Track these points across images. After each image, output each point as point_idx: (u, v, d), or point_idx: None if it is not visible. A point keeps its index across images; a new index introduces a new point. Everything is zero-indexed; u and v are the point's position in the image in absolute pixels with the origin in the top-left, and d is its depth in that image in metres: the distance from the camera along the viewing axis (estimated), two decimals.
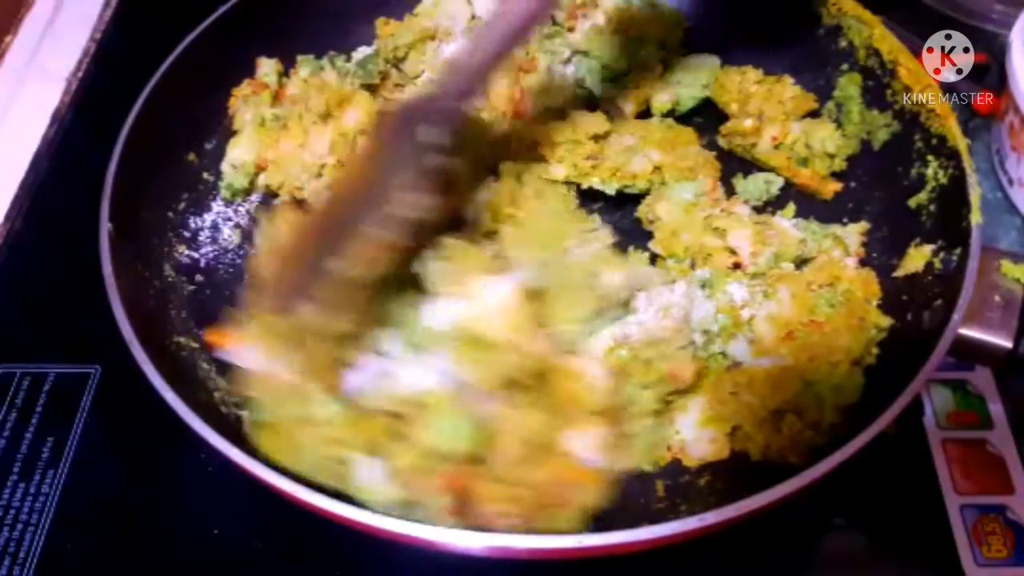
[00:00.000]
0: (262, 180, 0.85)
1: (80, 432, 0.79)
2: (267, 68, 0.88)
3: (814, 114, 0.88)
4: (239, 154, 0.85)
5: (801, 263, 0.79)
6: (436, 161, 0.65)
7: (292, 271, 0.68)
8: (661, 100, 0.90)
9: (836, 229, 0.79)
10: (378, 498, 0.63)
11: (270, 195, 0.87)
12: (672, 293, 0.76)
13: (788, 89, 0.88)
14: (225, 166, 0.86)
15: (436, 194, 0.65)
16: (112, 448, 0.79)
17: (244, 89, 0.87)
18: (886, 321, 0.72)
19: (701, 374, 0.72)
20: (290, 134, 0.83)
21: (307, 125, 0.84)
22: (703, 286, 0.76)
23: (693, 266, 0.79)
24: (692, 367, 0.71)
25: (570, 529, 0.63)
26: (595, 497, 0.65)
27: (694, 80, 0.91)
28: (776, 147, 0.86)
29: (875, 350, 0.71)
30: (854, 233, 0.79)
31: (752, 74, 0.89)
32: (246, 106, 0.86)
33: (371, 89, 0.90)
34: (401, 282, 0.70)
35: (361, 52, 0.94)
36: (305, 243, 0.69)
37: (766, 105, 0.87)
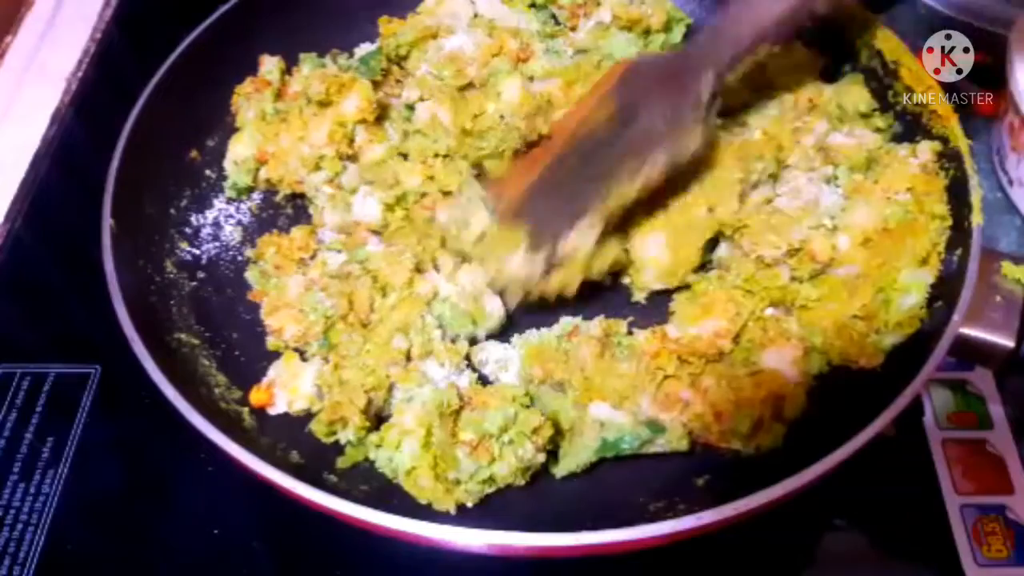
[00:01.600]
0: (263, 174, 0.85)
1: (80, 432, 0.79)
2: (270, 65, 0.88)
3: None
4: (241, 151, 0.85)
5: (868, 167, 0.79)
6: (711, 108, 0.73)
7: (537, 195, 0.75)
8: None
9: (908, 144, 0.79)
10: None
11: (271, 191, 0.87)
12: (802, 178, 0.78)
13: None
14: (228, 164, 0.85)
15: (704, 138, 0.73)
16: (112, 448, 0.79)
17: (247, 86, 0.87)
18: (943, 209, 0.73)
19: (834, 260, 0.74)
20: (290, 127, 0.83)
21: (307, 117, 0.84)
22: (827, 181, 0.78)
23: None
24: (829, 244, 0.73)
25: (775, 445, 0.68)
26: (798, 408, 0.68)
27: None
28: None
29: (941, 250, 0.72)
30: (928, 150, 0.77)
31: None
32: (249, 103, 0.86)
33: (372, 85, 0.90)
34: None
35: (363, 48, 0.94)
36: (550, 172, 0.76)
37: None
